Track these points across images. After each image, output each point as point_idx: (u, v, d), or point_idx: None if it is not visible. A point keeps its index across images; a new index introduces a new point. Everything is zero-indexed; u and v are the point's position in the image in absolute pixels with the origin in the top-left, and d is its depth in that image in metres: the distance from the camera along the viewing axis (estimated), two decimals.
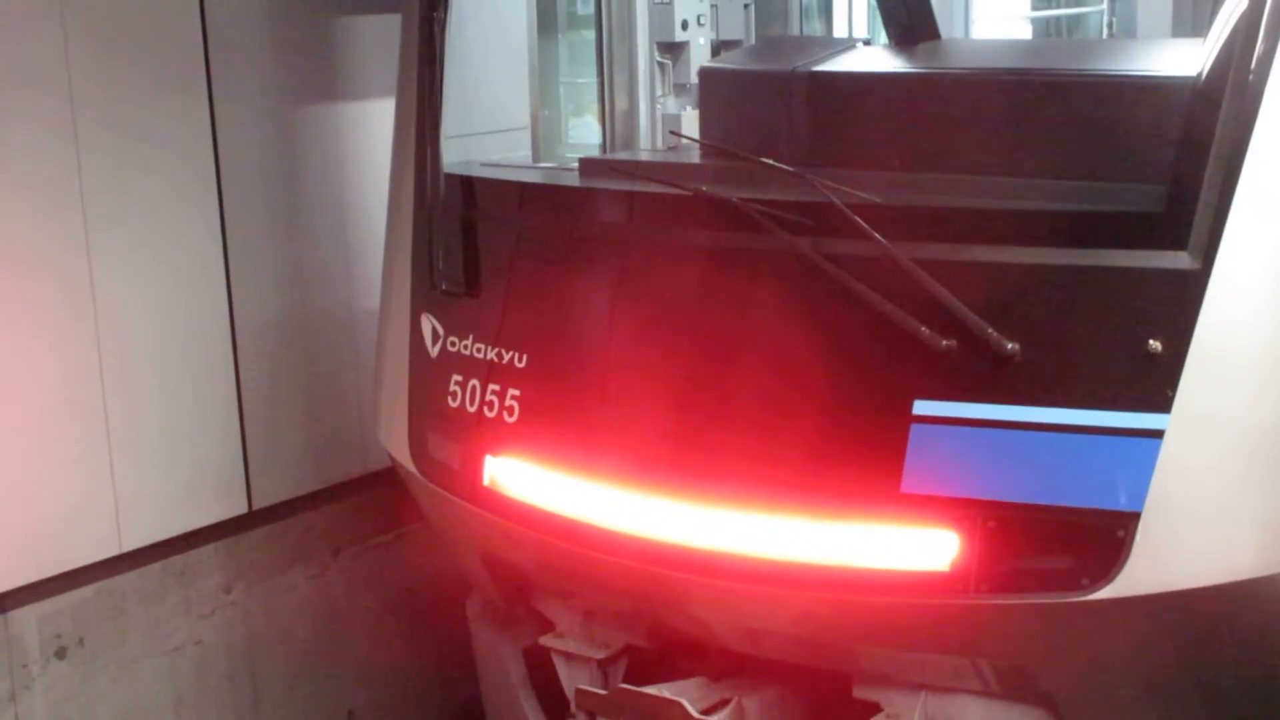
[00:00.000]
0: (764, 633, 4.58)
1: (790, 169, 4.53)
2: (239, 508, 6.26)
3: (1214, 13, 3.99)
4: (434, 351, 5.22)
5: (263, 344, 6.28)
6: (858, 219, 4.13)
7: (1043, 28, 12.65)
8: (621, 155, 6.40)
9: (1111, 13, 11.00)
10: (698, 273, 4.56)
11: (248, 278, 6.19)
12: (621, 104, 6.78)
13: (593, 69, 6.87)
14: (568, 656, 5.04)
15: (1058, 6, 13.18)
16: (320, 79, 6.43)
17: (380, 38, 6.43)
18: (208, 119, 5.97)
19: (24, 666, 5.51)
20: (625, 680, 4.86)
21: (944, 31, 5.75)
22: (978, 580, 3.99)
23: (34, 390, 5.48)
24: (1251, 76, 3.82)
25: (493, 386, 4.95)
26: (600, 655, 4.96)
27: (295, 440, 6.46)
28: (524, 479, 4.87)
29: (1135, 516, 3.83)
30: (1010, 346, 3.96)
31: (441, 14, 5.24)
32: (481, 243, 5.12)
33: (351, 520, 6.64)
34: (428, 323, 5.27)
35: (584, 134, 7.38)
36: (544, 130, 6.38)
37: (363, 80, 6.53)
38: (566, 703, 4.90)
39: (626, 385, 4.65)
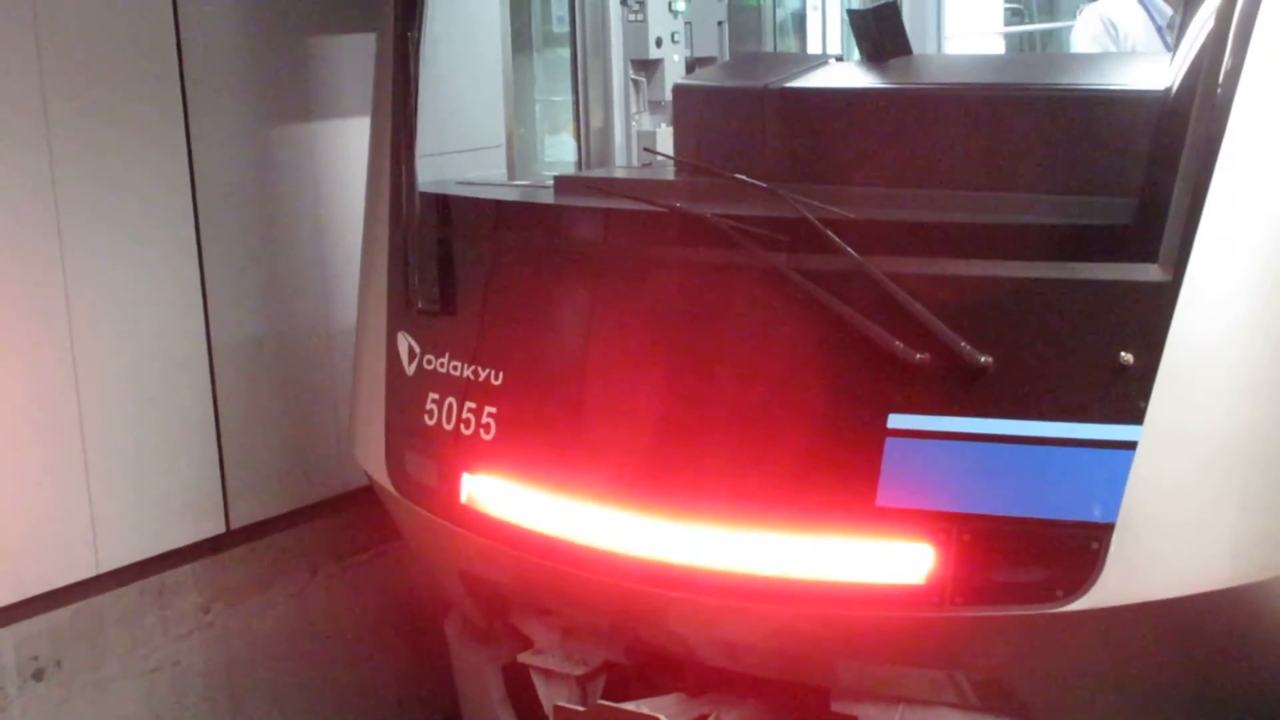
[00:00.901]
0: (741, 647, 4.58)
1: (764, 185, 4.54)
2: (217, 527, 6.23)
3: (1183, 27, 4.03)
4: (410, 369, 5.22)
5: (240, 363, 6.26)
6: (831, 234, 4.15)
7: (1015, 43, 12.70)
8: (597, 172, 6.41)
9: None
10: (673, 289, 4.56)
11: (224, 297, 6.17)
12: (596, 121, 6.79)
13: (568, 87, 6.88)
14: (546, 673, 5.04)
15: (1030, 22, 13.25)
16: (296, 97, 6.42)
17: (356, 56, 6.43)
18: (183, 137, 5.96)
19: (0, 689, 5.48)
20: (604, 696, 4.85)
21: (916, 47, 5.76)
22: (953, 593, 4.00)
23: (8, 411, 5.45)
24: (1219, 90, 3.85)
25: (469, 404, 4.95)
26: (579, 672, 4.96)
27: (273, 459, 6.44)
28: (501, 496, 4.87)
29: (1109, 528, 3.85)
30: (983, 359, 3.98)
31: (416, 33, 5.25)
32: (457, 261, 5.13)
33: (330, 539, 6.62)
34: (404, 341, 5.26)
35: (559, 152, 7.37)
36: (519, 148, 6.36)
37: (338, 99, 6.52)
38: None
39: (603, 402, 4.66)
